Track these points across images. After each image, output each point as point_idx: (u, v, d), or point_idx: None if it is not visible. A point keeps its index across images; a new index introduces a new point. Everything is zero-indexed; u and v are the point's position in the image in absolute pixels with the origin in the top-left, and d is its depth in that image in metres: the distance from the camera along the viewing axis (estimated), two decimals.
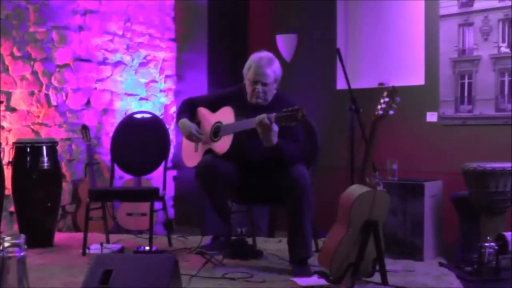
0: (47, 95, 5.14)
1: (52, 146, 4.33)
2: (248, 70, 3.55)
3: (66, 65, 5.28)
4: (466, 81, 4.50)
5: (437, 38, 4.63)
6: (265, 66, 3.49)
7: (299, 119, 3.12)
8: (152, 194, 3.95)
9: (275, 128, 3.24)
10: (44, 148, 4.27)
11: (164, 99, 6.10)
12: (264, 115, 3.23)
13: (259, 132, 3.26)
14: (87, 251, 3.85)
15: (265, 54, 3.57)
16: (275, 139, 3.26)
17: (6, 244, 1.19)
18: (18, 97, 4.95)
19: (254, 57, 3.56)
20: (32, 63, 5.04)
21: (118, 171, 4.40)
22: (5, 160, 4.31)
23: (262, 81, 3.49)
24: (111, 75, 5.65)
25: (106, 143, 5.39)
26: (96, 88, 5.52)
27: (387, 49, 5.09)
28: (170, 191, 6.04)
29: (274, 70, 3.52)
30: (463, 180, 3.85)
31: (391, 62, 5.05)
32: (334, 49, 4.10)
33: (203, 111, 3.75)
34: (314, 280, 3.14)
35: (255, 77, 3.50)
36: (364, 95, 4.01)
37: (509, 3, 4.27)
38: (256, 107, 3.51)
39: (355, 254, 2.96)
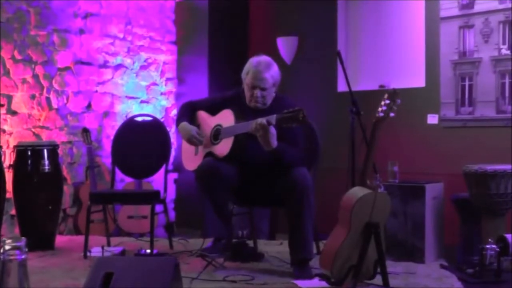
0: (48, 98, 5.14)
1: (53, 149, 4.34)
2: (246, 75, 3.54)
3: (67, 68, 5.29)
4: (467, 83, 4.50)
5: (438, 40, 4.63)
6: (263, 71, 3.47)
7: (300, 120, 3.10)
8: (153, 197, 3.95)
9: (273, 131, 3.23)
10: (45, 151, 4.27)
11: (165, 102, 6.11)
12: (260, 119, 3.22)
13: (258, 136, 3.25)
14: (88, 254, 3.85)
15: (263, 59, 3.55)
16: (274, 142, 3.26)
17: (7, 247, 1.18)
18: (19, 100, 4.95)
19: (252, 62, 3.55)
20: (33, 66, 5.05)
21: (119, 174, 4.41)
22: (6, 163, 4.31)
23: (261, 86, 3.48)
24: (112, 78, 5.65)
25: (107, 146, 5.39)
26: (97, 91, 5.53)
27: (388, 51, 5.09)
28: (171, 194, 6.04)
29: (272, 74, 3.50)
30: (464, 182, 3.85)
31: (392, 64, 5.05)
32: (335, 51, 4.09)
33: (202, 115, 3.75)
34: (315, 282, 3.14)
35: (253, 82, 3.49)
36: (365, 98, 4.02)
37: (509, 5, 4.27)
38: (255, 110, 3.51)
39: (356, 256, 2.96)
